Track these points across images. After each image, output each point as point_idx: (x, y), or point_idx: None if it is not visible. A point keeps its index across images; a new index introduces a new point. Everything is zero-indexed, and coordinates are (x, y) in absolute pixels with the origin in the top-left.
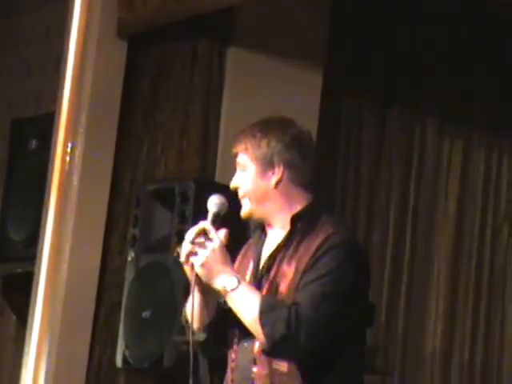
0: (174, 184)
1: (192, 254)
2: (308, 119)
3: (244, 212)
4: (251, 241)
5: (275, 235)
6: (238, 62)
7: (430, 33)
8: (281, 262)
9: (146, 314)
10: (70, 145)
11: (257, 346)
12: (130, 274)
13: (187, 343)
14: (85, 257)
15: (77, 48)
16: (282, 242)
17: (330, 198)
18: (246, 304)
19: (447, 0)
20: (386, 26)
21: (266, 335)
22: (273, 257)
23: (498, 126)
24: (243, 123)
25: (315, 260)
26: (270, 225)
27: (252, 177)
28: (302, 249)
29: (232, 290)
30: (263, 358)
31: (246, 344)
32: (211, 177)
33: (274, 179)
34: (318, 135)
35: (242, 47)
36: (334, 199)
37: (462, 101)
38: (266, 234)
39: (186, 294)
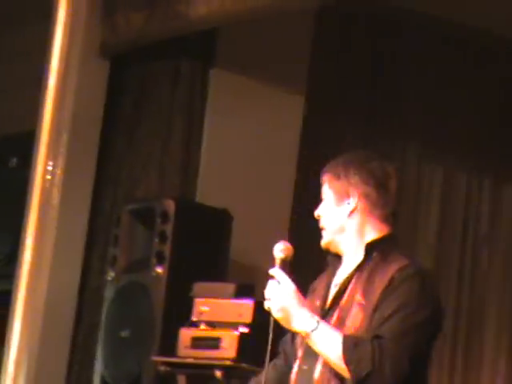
0: (154, 203)
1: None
2: (289, 139)
3: (323, 241)
4: (324, 274)
5: (347, 264)
6: (220, 82)
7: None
8: (353, 291)
9: (124, 333)
10: (50, 163)
11: (318, 370)
12: (109, 293)
13: (165, 363)
14: (64, 276)
15: (59, 67)
16: (354, 270)
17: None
18: (328, 343)
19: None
20: (368, 51)
21: (352, 372)
22: (344, 285)
23: (479, 151)
24: (225, 144)
25: (392, 290)
26: (346, 253)
27: (330, 205)
28: (374, 279)
29: (312, 330)
30: (323, 381)
31: (305, 367)
32: (192, 196)
33: (348, 209)
34: (300, 154)
35: (224, 68)
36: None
37: (442, 127)
38: (341, 264)
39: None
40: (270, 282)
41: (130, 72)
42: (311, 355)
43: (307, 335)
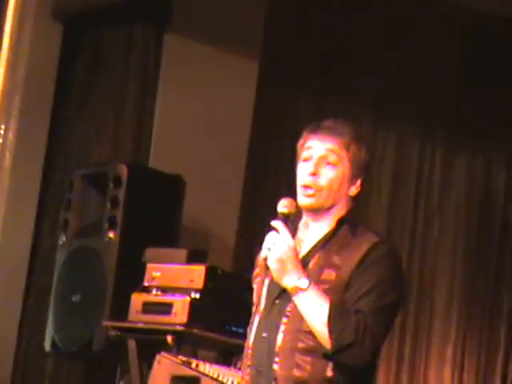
0: (106, 168)
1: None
2: (243, 106)
3: (311, 204)
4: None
5: (312, 233)
6: (174, 48)
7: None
8: (323, 256)
9: (75, 298)
10: (2, 127)
11: (280, 338)
12: (60, 257)
13: (116, 328)
14: (16, 239)
15: (11, 29)
16: (321, 240)
17: (261, 183)
18: (314, 306)
19: None
20: (323, 12)
21: (334, 341)
22: (310, 253)
23: (431, 121)
24: (178, 109)
25: (367, 267)
26: (315, 220)
27: (343, 176)
28: (344, 254)
29: (302, 290)
30: (287, 353)
31: (264, 334)
32: (145, 162)
33: (355, 189)
34: (253, 120)
35: (178, 33)
36: (266, 185)
37: (395, 96)
38: (295, 230)
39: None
40: (271, 233)
41: (83, 36)
42: (271, 323)
43: (296, 293)
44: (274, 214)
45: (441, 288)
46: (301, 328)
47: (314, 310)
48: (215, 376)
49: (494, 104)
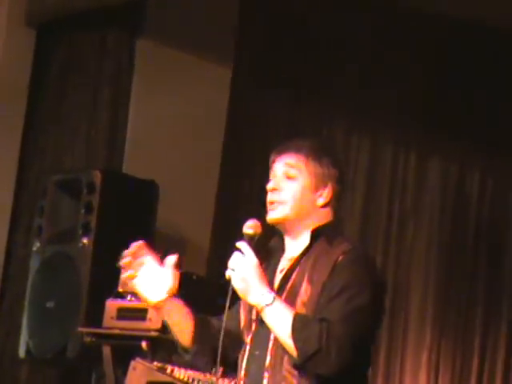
0: (80, 174)
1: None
2: (216, 111)
3: (277, 216)
4: (268, 259)
5: (292, 248)
6: (147, 53)
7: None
8: (300, 274)
9: (50, 304)
10: None
11: (268, 358)
12: (34, 264)
13: (91, 334)
14: None
15: None
16: (300, 254)
17: (234, 188)
18: (279, 319)
19: None
20: (296, 17)
21: (299, 350)
22: (291, 269)
23: (405, 124)
24: (152, 115)
25: (336, 272)
26: (292, 237)
27: (304, 187)
28: (321, 262)
29: (267, 305)
30: (275, 367)
31: (257, 352)
32: (119, 168)
33: (322, 199)
34: (227, 126)
35: (151, 39)
36: (241, 189)
37: (369, 100)
38: (283, 252)
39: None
40: (235, 254)
41: (56, 42)
42: (262, 341)
43: (262, 309)
44: (241, 235)
45: (415, 291)
46: None
47: (279, 323)
48: (190, 382)
49: (467, 107)
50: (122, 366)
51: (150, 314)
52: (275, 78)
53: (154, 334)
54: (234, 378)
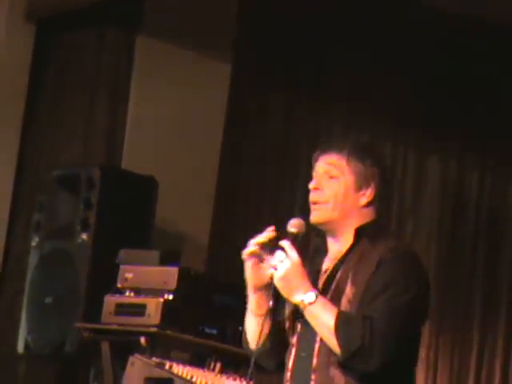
0: (79, 170)
1: (256, 254)
2: (215, 107)
3: (320, 217)
4: (312, 258)
5: (336, 248)
6: (146, 50)
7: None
8: (344, 273)
9: (48, 300)
10: None
11: (315, 360)
12: (33, 260)
13: (89, 330)
14: None
15: None
16: (344, 254)
17: (233, 184)
18: (322, 317)
19: None
20: (295, 12)
21: (342, 347)
22: (335, 269)
23: (404, 123)
24: (151, 111)
25: (381, 269)
26: (335, 238)
27: (346, 186)
28: (365, 261)
29: (310, 303)
30: (322, 369)
31: (303, 354)
32: (118, 163)
33: (365, 198)
34: (226, 122)
35: (150, 36)
36: (240, 186)
37: (368, 97)
38: (327, 253)
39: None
40: (278, 253)
41: (55, 38)
42: (308, 342)
43: (305, 307)
44: (284, 234)
45: None
46: None
47: (322, 321)
48: (188, 377)
49: (467, 104)
50: (120, 361)
51: (149, 309)
52: (274, 73)
53: (152, 329)
54: (232, 375)
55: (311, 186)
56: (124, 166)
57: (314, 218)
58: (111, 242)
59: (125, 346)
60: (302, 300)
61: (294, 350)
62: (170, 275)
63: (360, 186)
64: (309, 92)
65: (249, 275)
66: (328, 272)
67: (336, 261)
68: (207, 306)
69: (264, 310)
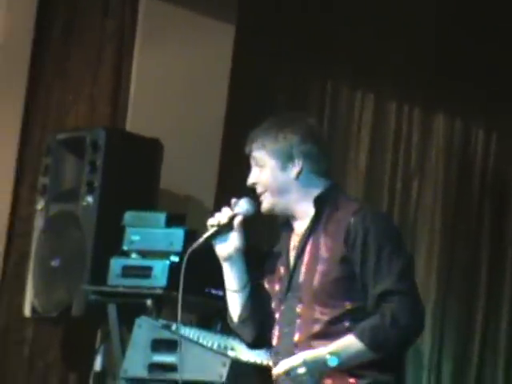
0: (84, 133)
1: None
2: (220, 68)
3: (265, 207)
4: (279, 242)
5: (300, 223)
6: (150, 10)
7: None
8: (314, 245)
9: (55, 263)
10: None
11: (297, 335)
12: (39, 222)
13: (96, 292)
14: None
15: None
16: (308, 226)
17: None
18: (354, 355)
19: None
20: None
21: (388, 355)
22: (303, 242)
23: (410, 81)
24: (155, 73)
25: (357, 238)
26: (293, 217)
27: (272, 171)
28: (332, 228)
29: (339, 363)
30: (304, 342)
31: (286, 330)
32: (122, 126)
33: (294, 171)
34: (231, 84)
35: None
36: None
37: (374, 56)
38: (292, 229)
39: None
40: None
41: (59, 1)
42: (289, 317)
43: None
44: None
45: (420, 250)
46: (313, 313)
47: (356, 356)
48: (195, 339)
49: (472, 66)
50: (127, 323)
51: (155, 271)
52: (279, 34)
53: (158, 291)
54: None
55: (248, 183)
56: (129, 129)
57: (262, 208)
58: (117, 205)
59: (131, 308)
60: (331, 366)
61: (277, 327)
62: (175, 237)
63: (284, 164)
64: (315, 54)
65: (214, 247)
66: (297, 245)
67: (301, 235)
68: (213, 268)
69: (236, 285)
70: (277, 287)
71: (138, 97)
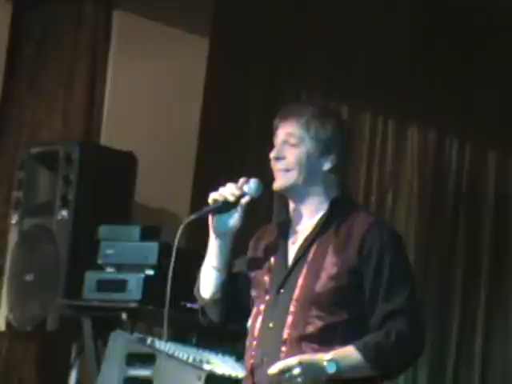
0: (58, 147)
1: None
2: (194, 81)
3: (282, 183)
4: (267, 228)
5: (306, 221)
6: (123, 24)
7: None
8: (322, 246)
9: (29, 277)
10: None
11: (286, 332)
12: (13, 237)
13: (70, 307)
14: None
15: None
16: (317, 225)
17: (213, 159)
18: (353, 366)
19: None
20: None
21: (392, 374)
22: (309, 240)
23: (384, 89)
24: (129, 86)
25: (369, 253)
26: (298, 209)
27: (309, 153)
28: (342, 236)
29: (336, 371)
30: (293, 342)
31: (270, 325)
32: (97, 139)
33: (328, 163)
34: (205, 96)
35: (127, 9)
36: (219, 161)
37: (348, 64)
38: (290, 221)
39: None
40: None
41: (33, 13)
42: (278, 314)
43: (334, 371)
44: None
45: None
46: (308, 314)
47: (355, 368)
48: (171, 352)
49: (445, 76)
50: (102, 338)
51: (130, 285)
52: (253, 47)
53: (133, 305)
54: (213, 349)
55: (272, 155)
56: (103, 142)
57: (279, 183)
58: (91, 219)
59: (106, 322)
60: (329, 373)
61: (260, 318)
62: (150, 251)
63: (322, 152)
64: (288, 65)
65: (212, 221)
66: (300, 244)
67: (308, 233)
68: (188, 281)
69: (219, 263)
70: (266, 278)
71: (111, 110)
